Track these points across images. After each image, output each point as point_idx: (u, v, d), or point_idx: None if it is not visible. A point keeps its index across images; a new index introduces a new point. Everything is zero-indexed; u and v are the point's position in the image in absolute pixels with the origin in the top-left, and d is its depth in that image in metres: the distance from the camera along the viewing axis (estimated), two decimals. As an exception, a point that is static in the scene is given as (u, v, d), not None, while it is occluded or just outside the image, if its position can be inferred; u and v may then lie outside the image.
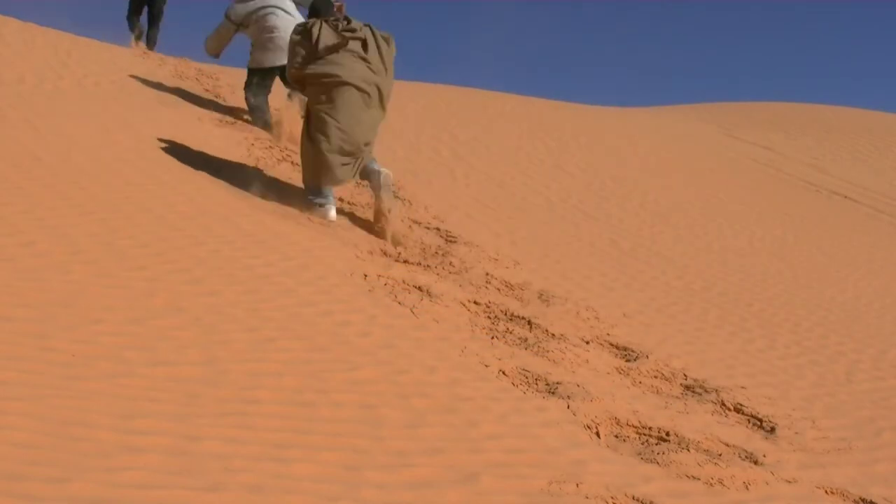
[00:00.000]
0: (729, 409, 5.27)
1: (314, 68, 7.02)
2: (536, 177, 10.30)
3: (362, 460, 3.76)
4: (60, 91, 8.71)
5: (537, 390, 4.89)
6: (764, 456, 4.72)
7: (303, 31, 7.15)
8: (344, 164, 7.00)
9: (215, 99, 9.75)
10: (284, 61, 8.29)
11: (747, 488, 4.31)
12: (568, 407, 4.73)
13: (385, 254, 6.55)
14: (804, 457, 4.87)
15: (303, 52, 7.06)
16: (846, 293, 8.53)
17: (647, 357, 5.77)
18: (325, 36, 7.04)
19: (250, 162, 7.89)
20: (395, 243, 6.82)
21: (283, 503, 3.31)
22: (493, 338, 5.49)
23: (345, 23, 7.17)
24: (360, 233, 6.86)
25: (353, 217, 7.17)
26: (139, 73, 9.92)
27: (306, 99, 7.40)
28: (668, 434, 4.71)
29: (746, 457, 4.68)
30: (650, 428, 4.74)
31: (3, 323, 4.23)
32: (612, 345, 5.88)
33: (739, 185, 12.51)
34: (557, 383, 4.97)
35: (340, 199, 7.39)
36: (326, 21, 7.17)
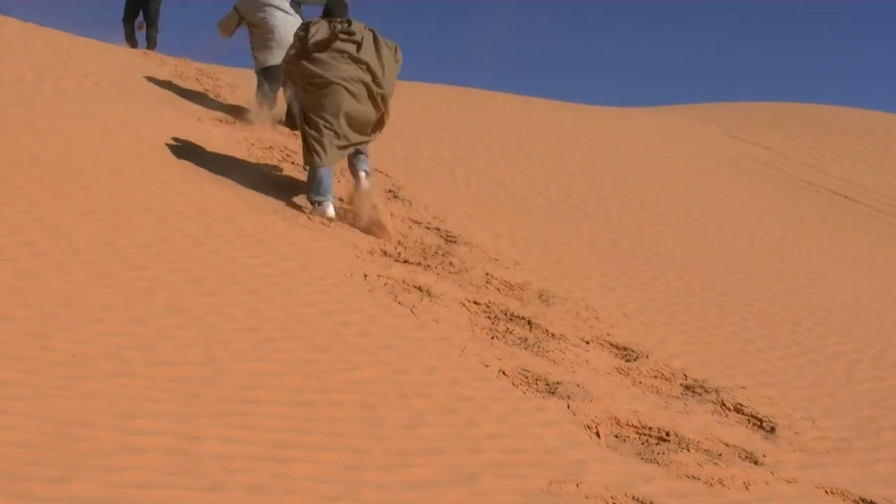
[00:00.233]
0: (729, 409, 5.27)
1: (304, 67, 7.16)
2: (536, 177, 10.30)
3: (362, 460, 3.76)
4: (60, 91, 8.71)
5: (537, 390, 4.89)
6: (764, 456, 4.72)
7: (304, 28, 7.33)
8: (333, 149, 7.13)
9: (215, 99, 9.74)
10: (278, 63, 8.48)
11: (747, 488, 4.31)
12: (568, 407, 4.73)
13: (385, 254, 6.55)
14: (804, 457, 4.87)
15: (297, 46, 7.27)
16: (846, 293, 8.53)
17: (647, 357, 5.77)
18: (319, 33, 7.20)
19: (250, 161, 7.89)
20: (370, 232, 6.87)
21: (283, 503, 3.31)
22: (493, 338, 5.49)
23: (346, 24, 7.22)
24: (360, 233, 6.86)
25: (352, 216, 7.16)
26: (139, 73, 9.91)
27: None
28: (668, 434, 4.71)
29: (746, 457, 4.68)
30: (650, 428, 4.74)
31: (3, 323, 4.23)
32: (612, 345, 5.88)
33: (739, 185, 12.51)
34: (557, 383, 4.97)
35: (340, 200, 7.40)
36: (331, 21, 7.24)
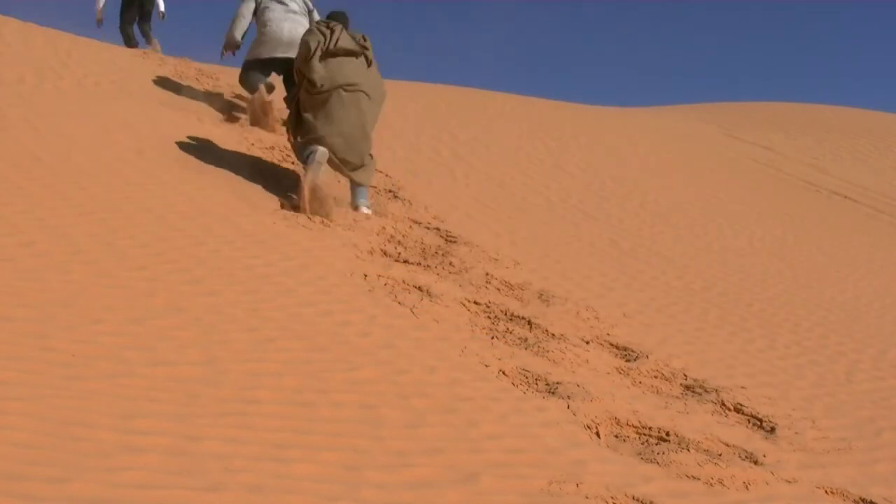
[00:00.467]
0: (729, 409, 5.27)
1: (314, 69, 7.19)
2: (536, 177, 10.30)
3: (362, 460, 3.76)
4: (60, 91, 8.71)
5: (537, 390, 4.89)
6: (764, 456, 4.72)
7: (323, 30, 7.31)
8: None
9: (215, 99, 9.74)
10: (274, 55, 8.68)
11: (747, 488, 4.31)
12: (568, 407, 4.73)
13: (385, 254, 6.56)
14: (804, 457, 4.87)
15: (312, 49, 7.24)
16: (846, 293, 8.53)
17: (647, 357, 5.77)
18: (343, 40, 7.25)
19: (250, 161, 7.89)
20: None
21: (283, 503, 3.31)
22: (493, 338, 5.49)
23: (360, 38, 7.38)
24: (360, 233, 6.86)
25: (352, 217, 7.17)
26: (139, 73, 9.91)
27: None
28: (668, 434, 4.71)
29: (746, 457, 4.68)
30: (650, 428, 4.74)
31: (3, 323, 4.23)
32: (612, 345, 5.88)
33: (739, 185, 12.51)
34: (557, 383, 4.97)
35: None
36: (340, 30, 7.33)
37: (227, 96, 9.94)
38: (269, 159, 8.12)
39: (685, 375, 5.64)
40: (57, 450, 3.33)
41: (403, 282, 6.01)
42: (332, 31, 7.25)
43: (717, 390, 5.46)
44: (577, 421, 4.62)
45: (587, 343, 5.77)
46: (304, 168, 7.14)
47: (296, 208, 6.91)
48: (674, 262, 8.39)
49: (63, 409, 3.60)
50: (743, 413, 5.27)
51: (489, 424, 4.37)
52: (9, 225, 5.39)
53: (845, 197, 13.37)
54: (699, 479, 4.28)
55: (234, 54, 9.26)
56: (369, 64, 7.33)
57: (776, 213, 11.27)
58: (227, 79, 10.58)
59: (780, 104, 22.48)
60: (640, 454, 4.44)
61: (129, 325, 4.50)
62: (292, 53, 8.28)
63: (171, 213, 6.18)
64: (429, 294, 5.88)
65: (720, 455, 4.60)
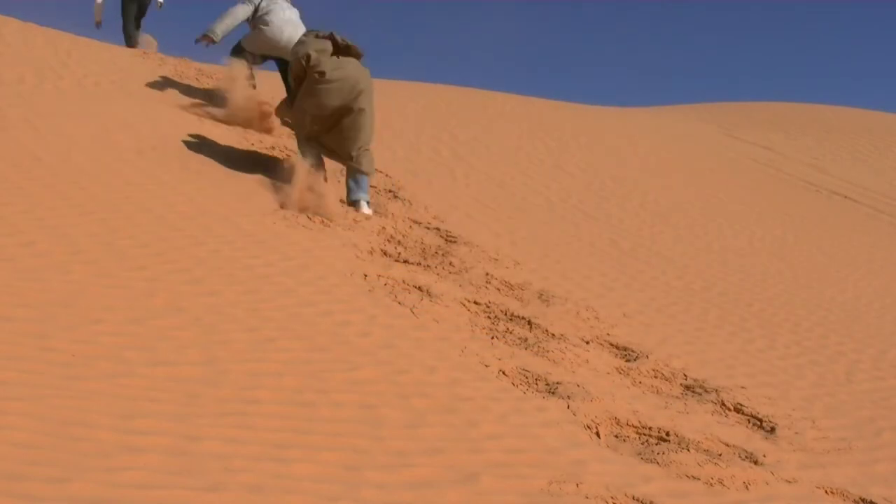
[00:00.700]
0: (729, 409, 5.27)
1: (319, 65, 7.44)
2: (536, 177, 10.30)
3: (362, 460, 3.76)
4: (60, 91, 8.71)
5: (537, 390, 4.89)
6: (764, 456, 4.72)
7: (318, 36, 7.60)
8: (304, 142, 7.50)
9: (215, 99, 9.74)
10: (270, 54, 9.01)
11: (747, 488, 4.31)
12: (568, 407, 4.73)
13: (385, 254, 6.56)
14: (804, 457, 4.86)
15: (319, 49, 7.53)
16: (846, 293, 8.53)
17: (647, 357, 5.77)
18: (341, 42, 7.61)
19: (250, 161, 7.89)
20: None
21: (283, 503, 3.31)
22: (493, 338, 5.49)
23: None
24: (361, 233, 6.86)
25: (352, 217, 7.17)
26: (139, 73, 9.91)
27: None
28: (668, 434, 4.71)
29: (746, 457, 4.68)
30: (650, 428, 4.74)
31: (3, 323, 4.23)
32: (612, 345, 5.88)
33: (739, 185, 12.51)
34: (557, 383, 4.97)
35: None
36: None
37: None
38: (269, 159, 8.12)
39: (685, 375, 5.64)
40: (57, 450, 3.33)
41: (403, 282, 6.01)
42: (330, 35, 7.53)
43: (717, 390, 5.46)
44: (577, 421, 4.62)
45: (587, 343, 5.77)
46: (301, 162, 7.35)
47: (288, 204, 6.95)
48: (674, 262, 8.39)
49: (63, 409, 3.60)
50: (743, 413, 5.27)
51: (489, 424, 4.37)
52: (9, 225, 5.39)
53: (845, 197, 13.37)
54: (699, 479, 4.28)
55: (206, 46, 9.42)
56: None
57: (776, 213, 11.27)
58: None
59: (780, 104, 22.47)
60: (640, 454, 4.44)
61: (129, 325, 4.51)
62: (287, 56, 8.58)
63: (171, 213, 6.18)
64: (429, 294, 5.88)
65: (720, 455, 4.60)
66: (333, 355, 4.72)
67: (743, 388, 5.62)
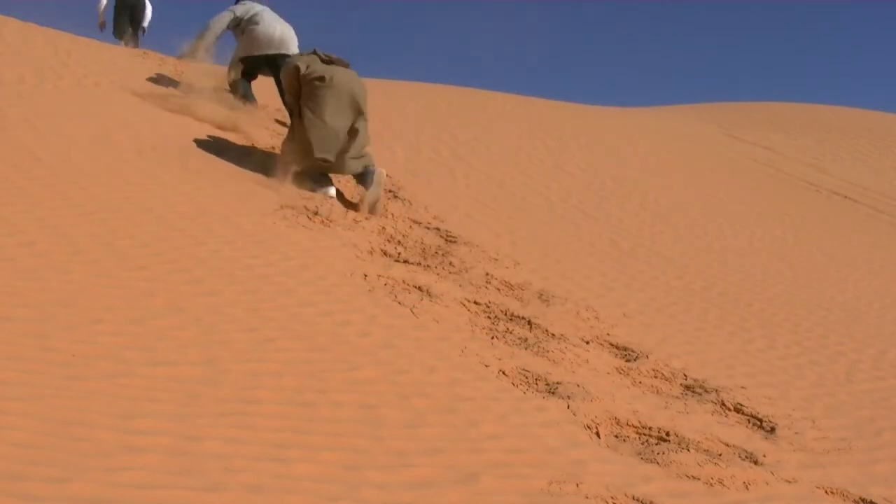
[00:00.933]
0: (729, 409, 5.27)
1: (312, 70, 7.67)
2: (536, 177, 10.30)
3: (362, 460, 3.76)
4: (60, 91, 8.71)
5: (537, 390, 4.89)
6: (764, 456, 4.72)
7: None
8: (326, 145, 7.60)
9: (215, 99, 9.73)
10: (267, 52, 9.09)
11: (747, 488, 4.31)
12: (568, 407, 4.73)
13: (385, 254, 6.56)
14: (804, 457, 4.87)
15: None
16: (846, 293, 8.53)
17: (647, 357, 5.77)
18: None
19: (251, 162, 7.89)
20: (372, 211, 7.29)
21: (283, 503, 3.31)
22: (493, 338, 5.49)
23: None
24: (361, 233, 6.86)
25: (352, 216, 7.17)
26: (139, 73, 9.91)
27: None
28: (668, 434, 4.71)
29: (746, 457, 4.68)
30: (650, 428, 4.74)
31: (3, 323, 4.23)
32: (612, 345, 5.88)
33: (739, 185, 12.51)
34: (557, 383, 4.97)
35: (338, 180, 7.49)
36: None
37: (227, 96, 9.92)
38: (269, 159, 8.12)
39: (685, 375, 5.64)
40: (57, 450, 3.33)
41: (403, 282, 6.01)
42: (314, 52, 7.77)
43: (717, 390, 5.46)
44: (577, 421, 4.62)
45: (587, 343, 5.77)
46: (313, 187, 7.46)
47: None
48: (674, 262, 8.39)
49: (63, 409, 3.60)
50: (743, 413, 5.27)
51: (489, 424, 4.37)
52: (9, 225, 5.39)
53: (845, 197, 13.37)
54: (699, 479, 4.28)
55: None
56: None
57: (776, 213, 11.27)
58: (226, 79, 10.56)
59: (780, 104, 22.47)
60: (640, 454, 4.44)
61: (129, 325, 4.51)
62: (285, 51, 8.97)
63: (171, 213, 6.18)
64: (429, 294, 5.88)
65: (720, 455, 4.60)
66: (333, 355, 4.72)
67: (743, 388, 5.63)
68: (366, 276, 5.96)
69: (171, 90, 9.43)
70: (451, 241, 7.21)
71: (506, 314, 5.91)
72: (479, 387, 4.77)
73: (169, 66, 10.55)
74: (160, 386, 3.99)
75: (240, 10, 9.38)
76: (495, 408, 4.56)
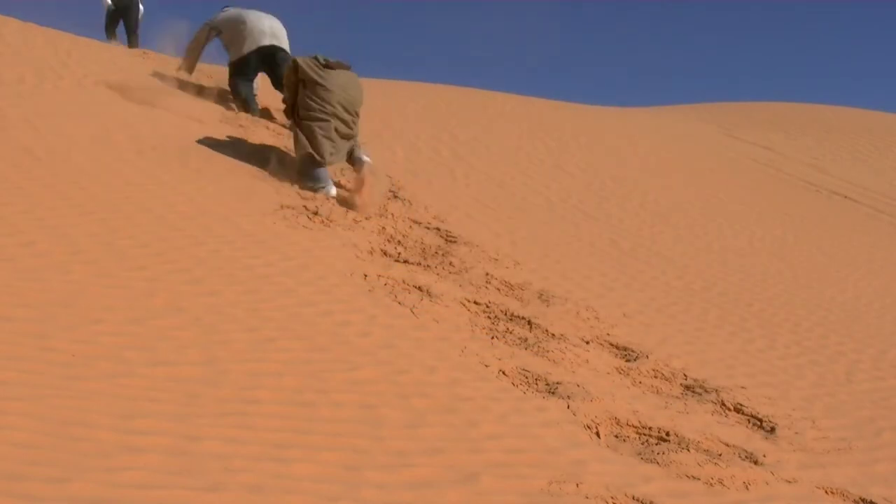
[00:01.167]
0: (729, 409, 5.27)
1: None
2: (536, 177, 10.30)
3: (362, 460, 3.76)
4: (60, 91, 8.71)
5: (537, 390, 4.89)
6: (764, 456, 4.72)
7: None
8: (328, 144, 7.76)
9: (215, 99, 9.74)
10: (261, 43, 9.22)
11: (747, 488, 4.31)
12: (568, 407, 4.73)
13: (385, 254, 6.56)
14: (804, 457, 4.87)
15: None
16: (846, 293, 8.53)
17: (647, 357, 5.77)
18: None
19: (251, 161, 7.89)
20: (364, 212, 7.30)
21: (283, 503, 3.31)
22: (493, 338, 5.49)
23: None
24: (361, 233, 6.86)
25: (352, 217, 7.17)
26: (139, 73, 9.91)
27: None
28: (668, 434, 4.71)
29: (746, 457, 4.68)
30: (650, 428, 4.74)
31: (3, 323, 4.23)
32: (612, 345, 5.88)
33: (739, 185, 12.51)
34: (557, 383, 4.98)
35: (338, 184, 7.48)
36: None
37: (227, 96, 9.93)
38: (269, 159, 8.12)
39: (685, 375, 5.64)
40: (57, 450, 3.33)
41: (403, 282, 6.01)
42: (314, 57, 7.92)
43: (717, 390, 5.46)
44: (577, 421, 4.62)
45: (587, 343, 5.77)
46: (311, 186, 7.56)
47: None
48: (674, 262, 8.39)
49: (63, 409, 3.60)
50: (743, 413, 5.27)
51: (489, 424, 4.37)
52: (9, 225, 5.39)
53: (845, 197, 13.37)
54: (699, 479, 4.28)
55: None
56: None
57: (776, 213, 11.27)
58: (226, 78, 10.56)
59: (780, 104, 22.48)
60: (640, 454, 4.45)
61: (129, 325, 4.51)
62: (277, 42, 9.22)
63: (171, 213, 6.18)
64: (429, 294, 5.88)
65: (720, 455, 4.60)
66: (333, 355, 4.72)
67: (743, 388, 5.63)
68: (366, 276, 5.96)
69: (165, 87, 9.43)
70: (451, 241, 7.21)
71: (506, 314, 5.91)
72: (479, 387, 4.77)
73: (169, 66, 10.55)
74: (160, 386, 3.99)
75: (219, 18, 9.56)
76: (495, 408, 4.56)
